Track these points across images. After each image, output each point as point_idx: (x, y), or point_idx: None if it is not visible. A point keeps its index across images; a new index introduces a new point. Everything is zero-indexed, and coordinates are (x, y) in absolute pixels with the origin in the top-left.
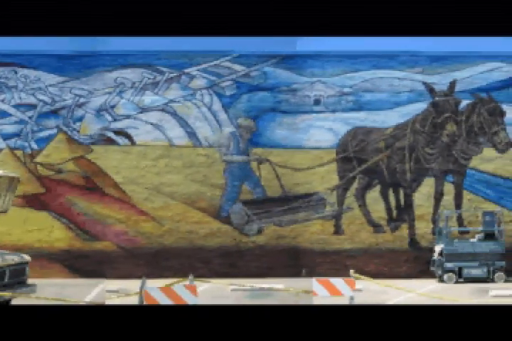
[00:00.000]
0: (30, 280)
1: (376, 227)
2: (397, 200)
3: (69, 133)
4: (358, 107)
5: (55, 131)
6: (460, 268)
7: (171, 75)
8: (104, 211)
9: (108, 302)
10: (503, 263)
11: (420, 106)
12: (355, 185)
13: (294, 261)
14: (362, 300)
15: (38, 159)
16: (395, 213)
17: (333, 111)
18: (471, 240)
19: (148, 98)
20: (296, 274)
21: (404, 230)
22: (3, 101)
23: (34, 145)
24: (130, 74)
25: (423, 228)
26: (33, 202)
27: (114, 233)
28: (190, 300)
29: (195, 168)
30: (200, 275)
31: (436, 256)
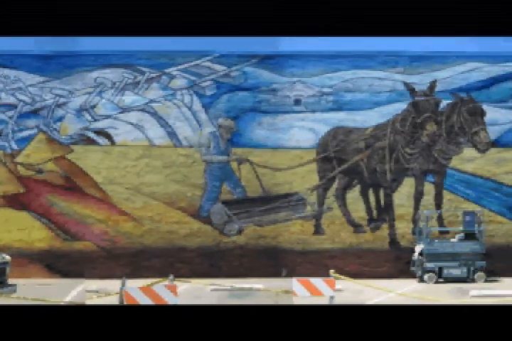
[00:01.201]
0: (10, 280)
1: (356, 227)
2: (377, 200)
3: (49, 133)
4: (338, 107)
5: (35, 131)
6: (440, 268)
7: (152, 75)
8: (84, 211)
9: (88, 302)
10: (484, 263)
11: (400, 106)
12: (335, 185)
13: (274, 261)
14: (342, 300)
15: (18, 159)
16: (375, 213)
17: (313, 111)
18: (452, 240)
19: (129, 98)
20: (277, 274)
21: (384, 230)
22: None
23: (14, 146)
24: (110, 74)
25: (403, 228)
26: (13, 202)
27: (94, 233)
28: (170, 300)
29: (176, 168)
30: (181, 275)
31: (416, 256)
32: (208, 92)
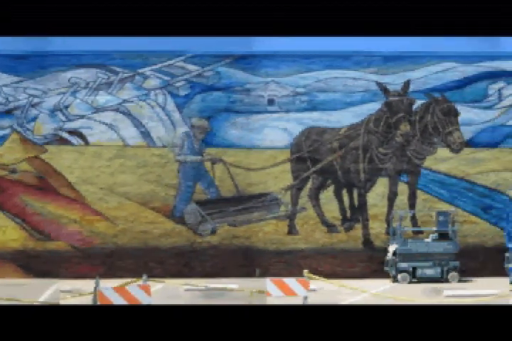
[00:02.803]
0: None
1: (330, 227)
2: (351, 200)
3: (23, 133)
4: (312, 107)
5: (8, 131)
6: (414, 268)
7: (125, 75)
8: (58, 211)
9: (62, 302)
10: (457, 263)
11: (374, 106)
12: (309, 185)
13: (248, 261)
14: (316, 300)
15: None
16: (348, 213)
17: (287, 111)
18: (425, 240)
19: (102, 98)
20: (250, 274)
21: (358, 230)
22: None
23: None
24: (84, 74)
25: (377, 228)
26: None
27: (68, 233)
28: (143, 300)
29: (149, 168)
30: (154, 275)
31: (390, 256)
32: (182, 92)
